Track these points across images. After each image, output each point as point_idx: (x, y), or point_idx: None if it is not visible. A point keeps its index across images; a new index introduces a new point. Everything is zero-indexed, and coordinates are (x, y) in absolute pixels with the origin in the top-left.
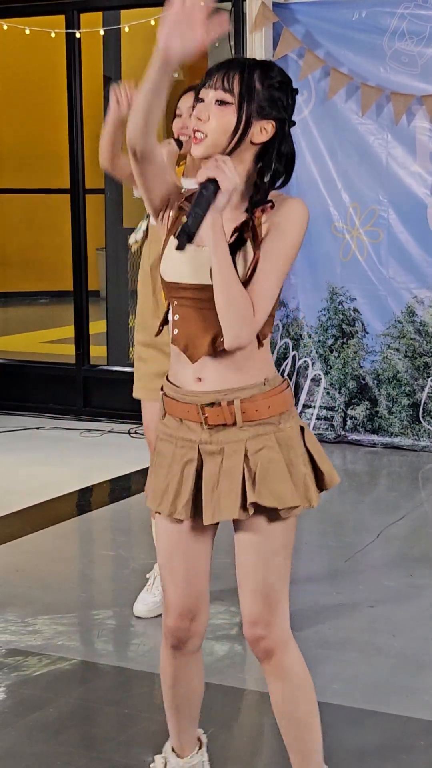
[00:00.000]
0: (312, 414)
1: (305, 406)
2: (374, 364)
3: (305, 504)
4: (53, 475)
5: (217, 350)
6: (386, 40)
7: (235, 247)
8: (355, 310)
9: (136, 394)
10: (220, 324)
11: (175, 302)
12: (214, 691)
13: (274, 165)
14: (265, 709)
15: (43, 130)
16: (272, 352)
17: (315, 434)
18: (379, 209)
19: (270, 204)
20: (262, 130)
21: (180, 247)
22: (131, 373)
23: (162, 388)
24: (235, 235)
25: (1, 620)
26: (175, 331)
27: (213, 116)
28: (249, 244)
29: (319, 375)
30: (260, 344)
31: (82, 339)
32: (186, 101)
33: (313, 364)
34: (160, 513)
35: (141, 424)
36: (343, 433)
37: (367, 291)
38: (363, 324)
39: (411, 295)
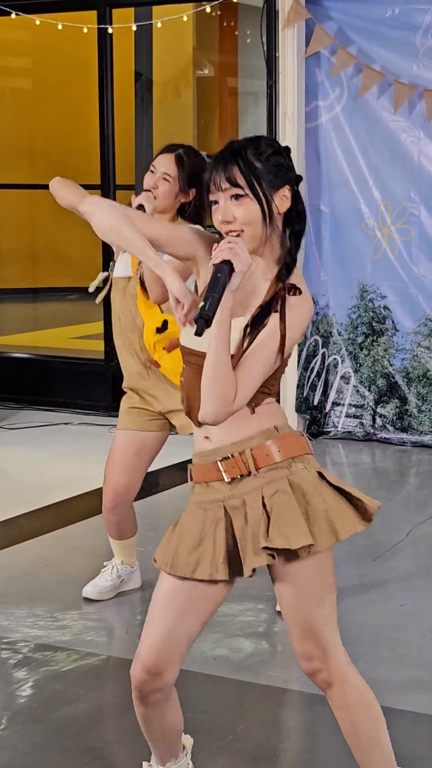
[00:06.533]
0: (341, 412)
1: (334, 404)
2: (404, 362)
3: (330, 540)
4: (82, 470)
5: None
6: (419, 36)
7: (260, 320)
8: (385, 307)
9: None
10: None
11: (185, 366)
12: (243, 688)
13: (297, 226)
14: (293, 705)
15: (74, 126)
16: (302, 350)
17: (343, 432)
18: (410, 207)
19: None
20: (283, 199)
21: (198, 332)
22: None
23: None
24: (259, 309)
25: (30, 615)
26: (182, 395)
27: (236, 213)
28: (271, 317)
29: (349, 373)
30: (252, 411)
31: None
32: (161, 160)
33: (342, 361)
34: (188, 577)
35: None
36: (372, 431)
37: (398, 289)
38: (393, 322)
39: None
